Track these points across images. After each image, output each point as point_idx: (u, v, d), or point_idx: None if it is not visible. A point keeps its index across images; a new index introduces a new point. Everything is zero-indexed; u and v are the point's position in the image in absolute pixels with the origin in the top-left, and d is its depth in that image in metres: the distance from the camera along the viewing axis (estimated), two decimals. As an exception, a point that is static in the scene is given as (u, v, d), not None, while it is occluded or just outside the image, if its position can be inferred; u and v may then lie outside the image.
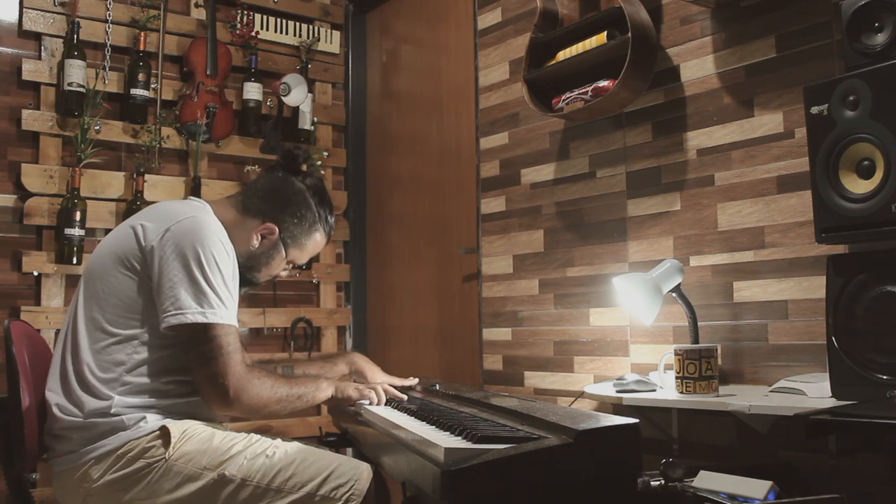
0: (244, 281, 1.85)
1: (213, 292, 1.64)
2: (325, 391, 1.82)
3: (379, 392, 1.88)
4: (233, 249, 1.75)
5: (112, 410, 1.61)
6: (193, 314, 1.61)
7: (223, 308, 1.65)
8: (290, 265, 1.95)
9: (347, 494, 1.56)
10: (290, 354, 3.37)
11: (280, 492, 1.57)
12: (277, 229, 1.86)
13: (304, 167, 1.96)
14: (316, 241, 1.94)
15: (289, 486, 1.57)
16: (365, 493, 1.56)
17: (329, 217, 1.95)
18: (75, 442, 1.62)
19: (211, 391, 1.64)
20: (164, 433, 1.61)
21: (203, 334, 1.62)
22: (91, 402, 1.62)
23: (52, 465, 1.67)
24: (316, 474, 1.58)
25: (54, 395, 1.67)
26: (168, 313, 1.62)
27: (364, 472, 1.60)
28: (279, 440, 1.69)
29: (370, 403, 1.85)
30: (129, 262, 1.69)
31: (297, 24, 3.50)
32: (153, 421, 1.63)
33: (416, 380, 2.14)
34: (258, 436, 1.69)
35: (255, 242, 1.85)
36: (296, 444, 1.67)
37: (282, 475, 1.58)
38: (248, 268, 1.86)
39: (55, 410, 1.65)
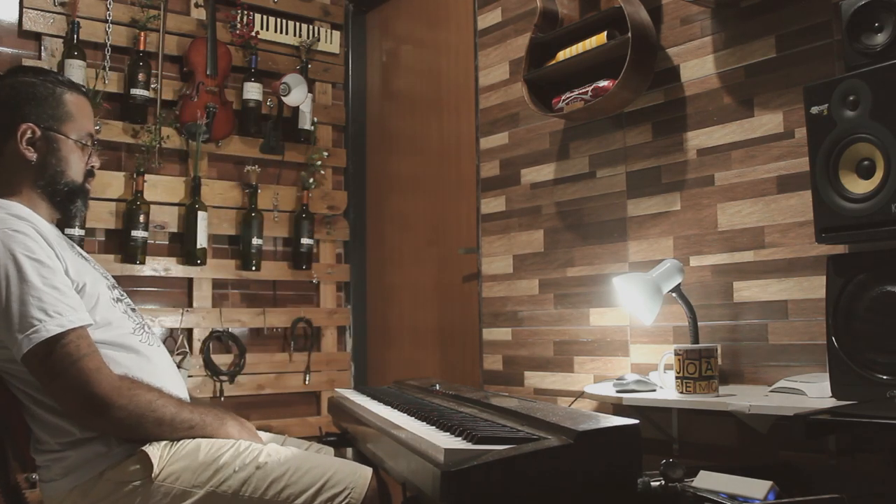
0: (71, 197, 1.72)
1: (44, 295, 1.48)
2: (232, 429, 1.65)
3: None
4: (24, 223, 1.57)
5: (81, 436, 1.56)
6: (40, 331, 1.46)
7: (65, 310, 1.49)
8: (85, 143, 1.75)
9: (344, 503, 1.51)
10: (290, 355, 3.36)
11: None
12: (30, 124, 1.67)
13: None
14: (71, 101, 1.74)
15: (283, 498, 1.50)
16: (363, 499, 1.51)
17: (55, 75, 1.76)
18: (55, 471, 1.57)
19: (72, 403, 1.50)
20: (145, 454, 1.54)
21: (45, 349, 1.47)
22: (57, 438, 1.57)
23: (41, 489, 1.62)
24: (311, 483, 1.51)
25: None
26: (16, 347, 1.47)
27: (361, 477, 1.54)
28: (272, 444, 1.64)
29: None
30: None
31: (297, 24, 3.50)
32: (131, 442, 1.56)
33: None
34: (246, 441, 1.62)
35: (30, 154, 1.67)
36: (289, 450, 1.61)
37: (275, 486, 1.51)
38: (55, 179, 1.70)
39: (31, 450, 1.61)
